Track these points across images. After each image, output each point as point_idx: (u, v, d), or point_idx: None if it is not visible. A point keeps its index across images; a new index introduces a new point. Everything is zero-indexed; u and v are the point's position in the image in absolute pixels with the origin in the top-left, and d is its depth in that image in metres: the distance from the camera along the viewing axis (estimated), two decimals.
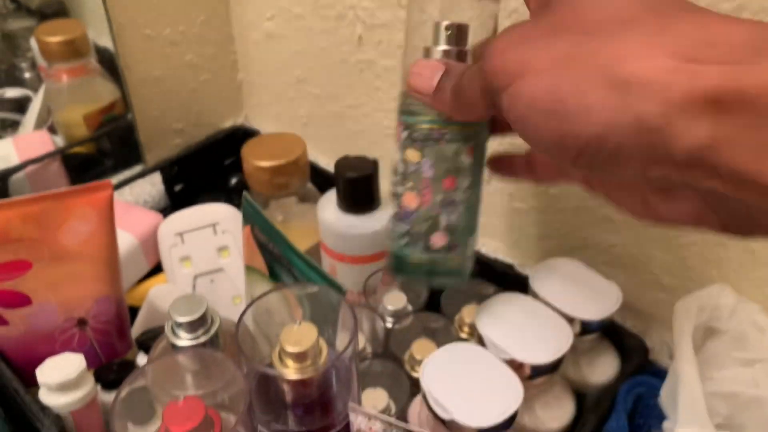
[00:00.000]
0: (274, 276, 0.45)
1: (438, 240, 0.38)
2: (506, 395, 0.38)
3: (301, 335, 0.35)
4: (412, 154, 0.36)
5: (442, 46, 0.34)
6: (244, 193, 0.47)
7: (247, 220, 0.47)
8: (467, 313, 0.52)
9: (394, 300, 0.54)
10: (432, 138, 0.35)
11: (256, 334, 0.40)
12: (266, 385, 0.37)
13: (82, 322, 0.48)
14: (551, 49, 0.23)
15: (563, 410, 0.44)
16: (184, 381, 0.37)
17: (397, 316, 0.53)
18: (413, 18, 0.36)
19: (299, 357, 0.35)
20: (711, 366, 0.43)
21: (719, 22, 0.21)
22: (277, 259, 0.44)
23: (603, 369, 0.47)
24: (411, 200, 0.37)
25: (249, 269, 0.47)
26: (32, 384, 0.45)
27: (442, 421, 0.38)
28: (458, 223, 0.37)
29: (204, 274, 0.59)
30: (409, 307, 0.55)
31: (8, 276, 0.44)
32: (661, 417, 0.44)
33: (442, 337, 0.52)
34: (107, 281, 0.48)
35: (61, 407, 0.43)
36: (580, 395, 0.46)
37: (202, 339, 0.37)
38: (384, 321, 0.52)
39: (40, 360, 0.45)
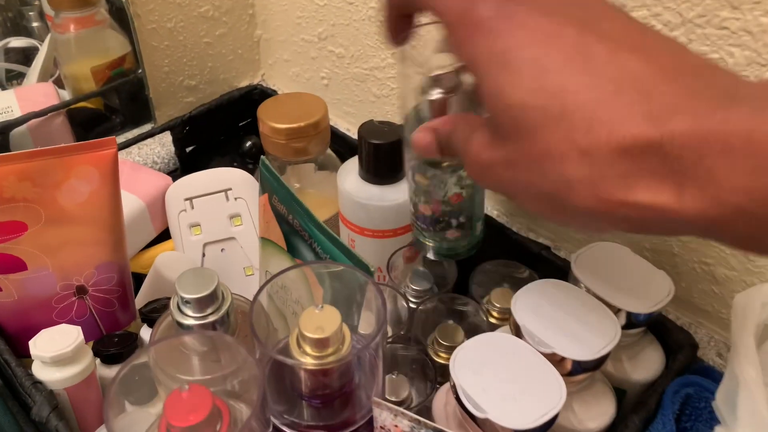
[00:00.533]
0: (291, 250, 0.41)
1: (451, 234, 0.42)
2: (547, 394, 0.34)
3: (323, 320, 0.31)
4: (421, 179, 0.40)
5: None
6: (262, 158, 0.42)
7: (264, 188, 0.42)
8: (497, 296, 0.48)
9: (419, 279, 0.50)
10: (437, 168, 0.39)
11: (270, 311, 0.37)
12: (280, 372, 0.33)
13: (81, 290, 0.44)
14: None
15: (603, 410, 0.40)
16: (189, 363, 0.33)
17: (422, 296, 0.49)
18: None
19: (320, 344, 0.31)
20: None
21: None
22: (296, 232, 0.40)
23: (646, 365, 0.43)
24: (425, 210, 0.42)
25: (264, 241, 0.43)
26: (25, 355, 0.42)
27: (473, 418, 0.34)
28: (467, 220, 0.42)
29: (214, 243, 0.55)
30: (435, 288, 0.51)
31: (1, 238, 0.40)
32: (711, 421, 0.40)
33: (470, 321, 0.48)
34: (109, 246, 0.44)
35: (55, 383, 0.39)
36: (619, 392, 0.42)
37: (211, 318, 0.33)
38: (407, 301, 0.48)
39: (35, 330, 0.41)
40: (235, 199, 0.54)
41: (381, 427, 0.31)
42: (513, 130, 0.26)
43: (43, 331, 0.40)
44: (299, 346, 0.31)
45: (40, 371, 0.39)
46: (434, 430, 0.30)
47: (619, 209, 0.24)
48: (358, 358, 0.32)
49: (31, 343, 0.39)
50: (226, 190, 0.54)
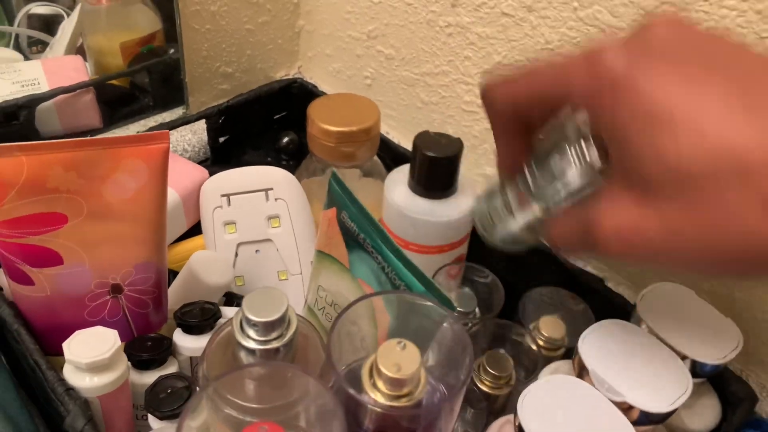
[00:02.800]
0: (356, 270, 0.38)
1: None
2: None
3: (403, 358, 0.28)
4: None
5: None
6: (333, 171, 0.39)
7: (332, 202, 0.39)
8: (545, 324, 0.46)
9: (465, 301, 0.48)
10: None
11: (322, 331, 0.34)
12: (345, 405, 0.31)
13: (116, 289, 0.41)
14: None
15: None
16: (247, 388, 0.31)
17: (465, 319, 0.47)
18: None
19: (396, 383, 0.28)
20: None
21: None
22: (367, 253, 0.37)
23: (703, 416, 0.41)
24: None
25: (322, 255, 0.40)
26: (52, 353, 0.39)
27: None
28: None
29: (249, 243, 0.52)
30: (477, 311, 0.48)
31: (38, 230, 0.37)
32: None
33: (515, 348, 0.46)
34: (150, 246, 0.41)
35: (88, 390, 0.36)
36: None
37: (276, 344, 0.30)
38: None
39: (64, 328, 0.38)
40: (276, 199, 0.51)
41: None
42: (678, 193, 0.23)
43: (77, 332, 0.37)
44: (371, 379, 0.29)
45: (72, 376, 0.36)
46: None
47: None
48: (434, 404, 0.30)
49: (64, 345, 0.37)
50: (267, 190, 0.51)
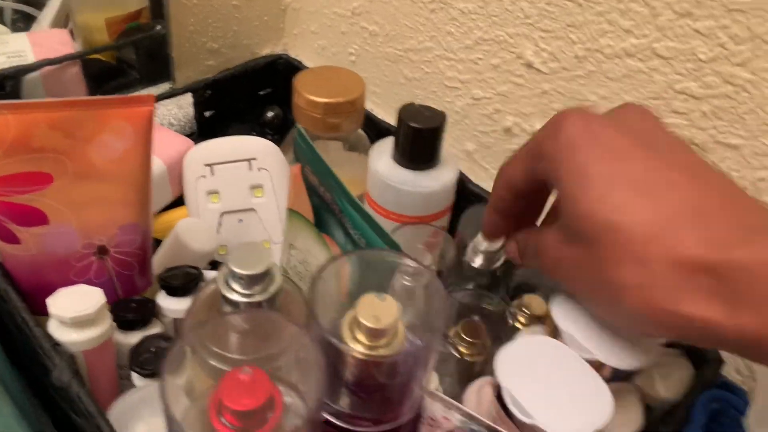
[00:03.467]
0: (320, 224, 0.39)
1: None
2: (594, 404, 0.33)
3: (381, 309, 0.29)
4: None
5: None
6: (299, 127, 0.40)
7: (298, 157, 0.40)
8: (528, 301, 0.47)
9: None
10: None
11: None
12: (326, 357, 0.31)
13: (102, 251, 0.41)
14: None
15: (632, 418, 0.39)
16: (231, 340, 0.31)
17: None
18: None
19: (376, 334, 0.29)
20: None
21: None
22: (327, 206, 0.38)
23: (676, 384, 0.42)
24: None
25: (292, 214, 0.41)
26: (38, 313, 0.39)
27: (515, 423, 0.33)
28: None
29: (232, 212, 0.52)
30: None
31: (25, 189, 0.38)
32: None
33: (495, 321, 0.46)
34: (136, 208, 0.41)
35: (72, 344, 0.37)
36: (648, 407, 0.41)
37: (260, 297, 0.31)
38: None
39: (50, 288, 0.38)
40: (259, 169, 0.52)
41: (431, 419, 0.30)
42: (582, 235, 0.29)
43: (61, 289, 0.38)
44: (352, 332, 0.30)
45: (57, 331, 0.37)
46: (486, 427, 0.29)
47: (668, 317, 0.27)
48: (411, 354, 0.30)
49: (49, 301, 0.37)
50: (250, 160, 0.52)
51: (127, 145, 0.39)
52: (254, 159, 0.52)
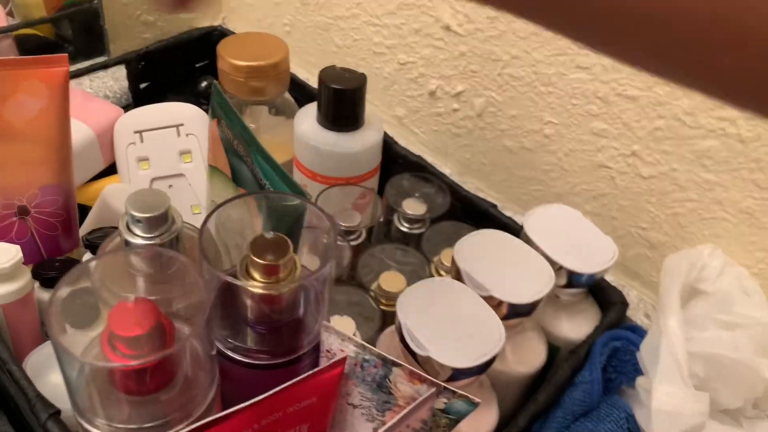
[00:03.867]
0: (236, 178, 0.40)
1: None
2: (486, 336, 0.35)
3: (273, 246, 0.30)
4: None
5: None
6: (214, 82, 0.41)
7: (214, 113, 0.41)
8: (446, 255, 0.48)
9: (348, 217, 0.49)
10: None
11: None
12: (226, 299, 0.33)
13: (23, 211, 0.42)
14: None
15: (533, 355, 0.41)
16: (136, 283, 0.32)
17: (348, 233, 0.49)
18: None
19: (270, 270, 0.30)
20: (692, 326, 0.40)
21: None
22: (240, 158, 0.39)
23: (584, 325, 0.44)
24: None
25: (212, 170, 0.42)
26: None
27: (415, 358, 0.34)
28: None
29: (162, 178, 0.53)
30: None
31: None
32: (634, 373, 0.41)
33: (415, 276, 0.48)
34: (55, 168, 0.42)
35: None
36: (554, 348, 0.43)
37: (160, 239, 0.32)
38: (348, 243, 0.48)
39: None
40: (187, 135, 0.53)
41: (327, 350, 0.31)
42: None
43: None
44: (248, 272, 0.31)
45: None
46: (377, 355, 0.31)
47: None
48: (305, 289, 0.32)
49: None
50: (177, 126, 0.53)
51: (43, 105, 0.40)
52: (182, 125, 0.53)
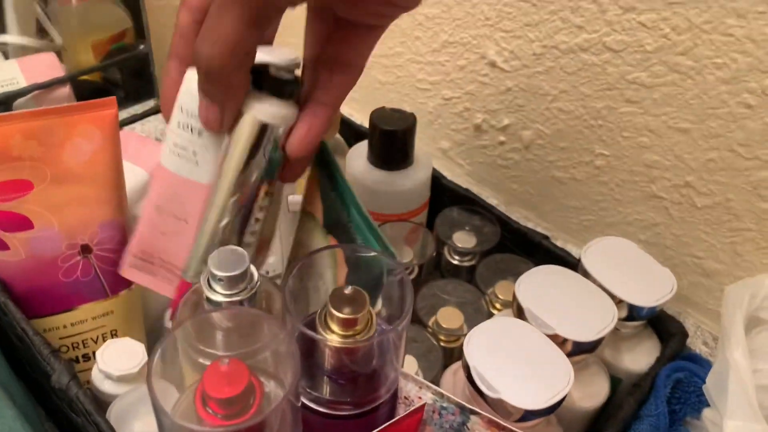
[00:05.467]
0: (327, 226, 0.41)
1: None
2: (554, 376, 0.35)
3: (351, 300, 0.31)
4: None
5: None
6: (324, 142, 0.42)
7: (318, 164, 0.43)
8: (501, 288, 0.49)
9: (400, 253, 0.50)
10: None
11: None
12: (305, 348, 0.33)
13: (86, 249, 0.43)
14: None
15: (597, 390, 0.42)
16: (216, 338, 0.33)
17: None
18: None
19: (348, 323, 0.31)
20: (758, 358, 0.40)
21: None
22: (336, 210, 0.40)
23: (644, 356, 0.44)
24: None
25: (304, 213, 0.44)
26: (32, 315, 0.42)
27: (485, 399, 0.35)
28: None
29: None
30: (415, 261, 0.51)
31: (8, 197, 0.40)
32: (698, 404, 0.41)
33: (471, 310, 0.48)
34: (112, 204, 0.43)
35: (112, 396, 0.39)
36: (616, 380, 0.43)
37: (240, 296, 0.33)
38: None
39: (41, 290, 0.42)
40: None
41: (405, 398, 0.32)
42: None
43: (110, 341, 0.41)
44: (326, 324, 0.32)
45: (101, 382, 0.40)
46: (455, 404, 0.31)
47: None
48: (382, 339, 0.32)
49: (98, 353, 0.40)
50: None
51: (96, 147, 0.41)
52: None
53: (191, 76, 0.30)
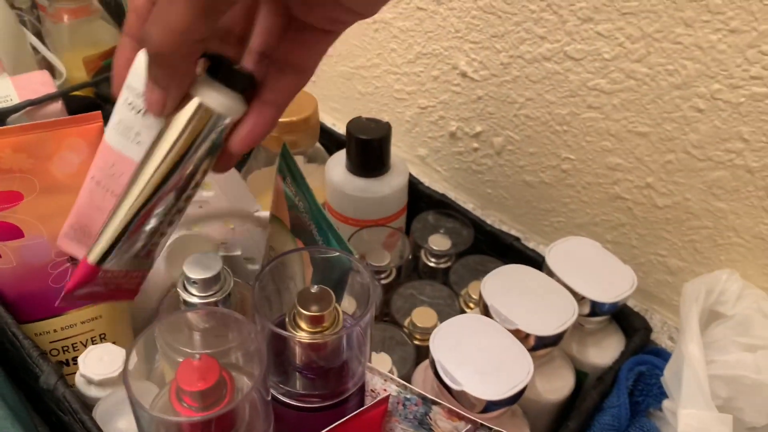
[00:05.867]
0: (294, 230, 0.43)
1: None
2: (515, 368, 0.37)
3: (318, 298, 0.33)
4: None
5: None
6: (284, 144, 0.45)
7: (281, 170, 0.45)
8: (473, 288, 0.51)
9: (378, 257, 0.52)
10: None
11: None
12: (277, 346, 0.35)
13: (73, 257, 0.45)
14: None
15: (562, 383, 0.43)
16: (193, 339, 0.35)
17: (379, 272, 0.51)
18: None
19: (315, 320, 0.33)
20: (714, 349, 0.42)
21: None
22: (301, 214, 0.43)
23: (609, 351, 0.46)
24: None
25: (274, 219, 0.46)
26: (23, 320, 0.44)
27: (450, 392, 0.37)
28: None
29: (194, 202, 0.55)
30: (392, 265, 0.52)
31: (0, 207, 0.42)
32: (660, 396, 0.43)
33: (445, 309, 0.50)
34: None
35: (94, 399, 0.41)
36: (582, 374, 0.45)
37: (214, 298, 0.35)
38: (379, 282, 0.51)
39: (32, 296, 0.43)
40: None
41: (372, 390, 0.34)
42: None
43: (91, 347, 0.42)
44: (295, 322, 0.34)
45: (84, 387, 0.41)
46: (417, 395, 0.33)
47: None
48: (348, 335, 0.34)
49: (80, 359, 0.42)
50: None
51: (83, 158, 0.43)
52: None
53: (142, 57, 0.30)
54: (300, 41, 0.29)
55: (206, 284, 0.35)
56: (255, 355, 0.32)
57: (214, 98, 0.28)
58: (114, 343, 0.49)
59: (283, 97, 0.30)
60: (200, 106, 0.28)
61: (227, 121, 0.29)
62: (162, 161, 0.29)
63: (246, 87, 0.29)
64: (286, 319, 0.34)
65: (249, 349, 0.33)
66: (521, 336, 0.39)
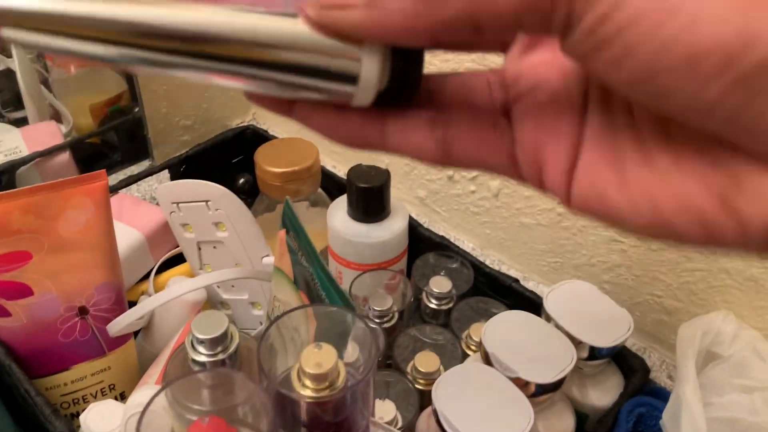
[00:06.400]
0: (298, 284, 0.44)
1: None
2: (516, 417, 0.38)
3: (321, 357, 0.34)
4: None
5: None
6: (287, 199, 0.46)
7: (284, 224, 0.46)
8: (474, 330, 0.52)
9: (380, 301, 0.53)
10: None
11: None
12: (282, 402, 0.36)
13: (83, 311, 0.46)
14: None
15: (563, 426, 0.44)
16: (202, 395, 0.36)
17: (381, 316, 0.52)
18: None
19: (318, 378, 0.34)
20: (711, 391, 0.43)
21: None
22: (304, 269, 0.44)
23: (609, 392, 0.46)
24: None
25: (277, 271, 0.47)
26: (35, 375, 0.45)
27: None
28: None
29: (207, 242, 0.56)
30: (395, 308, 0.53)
31: (9, 267, 0.43)
32: None
33: (447, 353, 0.51)
34: (106, 268, 0.46)
35: None
36: (583, 416, 0.46)
37: (222, 356, 0.36)
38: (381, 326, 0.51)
39: (43, 351, 0.44)
40: (216, 209, 0.53)
41: None
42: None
43: (93, 404, 0.42)
44: (300, 379, 0.35)
45: None
46: None
47: None
48: (352, 390, 0.35)
49: (81, 417, 0.41)
50: (206, 201, 0.53)
51: (89, 216, 0.45)
52: (209, 201, 0.53)
53: None
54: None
55: (213, 343, 0.36)
56: (261, 411, 0.33)
57: (371, 69, 0.21)
58: (123, 392, 0.50)
59: (399, 145, 0.22)
60: (358, 59, 0.21)
61: (349, 91, 0.21)
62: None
63: (405, 94, 0.22)
64: (292, 377, 0.35)
65: (256, 405, 0.34)
66: (521, 384, 0.40)
